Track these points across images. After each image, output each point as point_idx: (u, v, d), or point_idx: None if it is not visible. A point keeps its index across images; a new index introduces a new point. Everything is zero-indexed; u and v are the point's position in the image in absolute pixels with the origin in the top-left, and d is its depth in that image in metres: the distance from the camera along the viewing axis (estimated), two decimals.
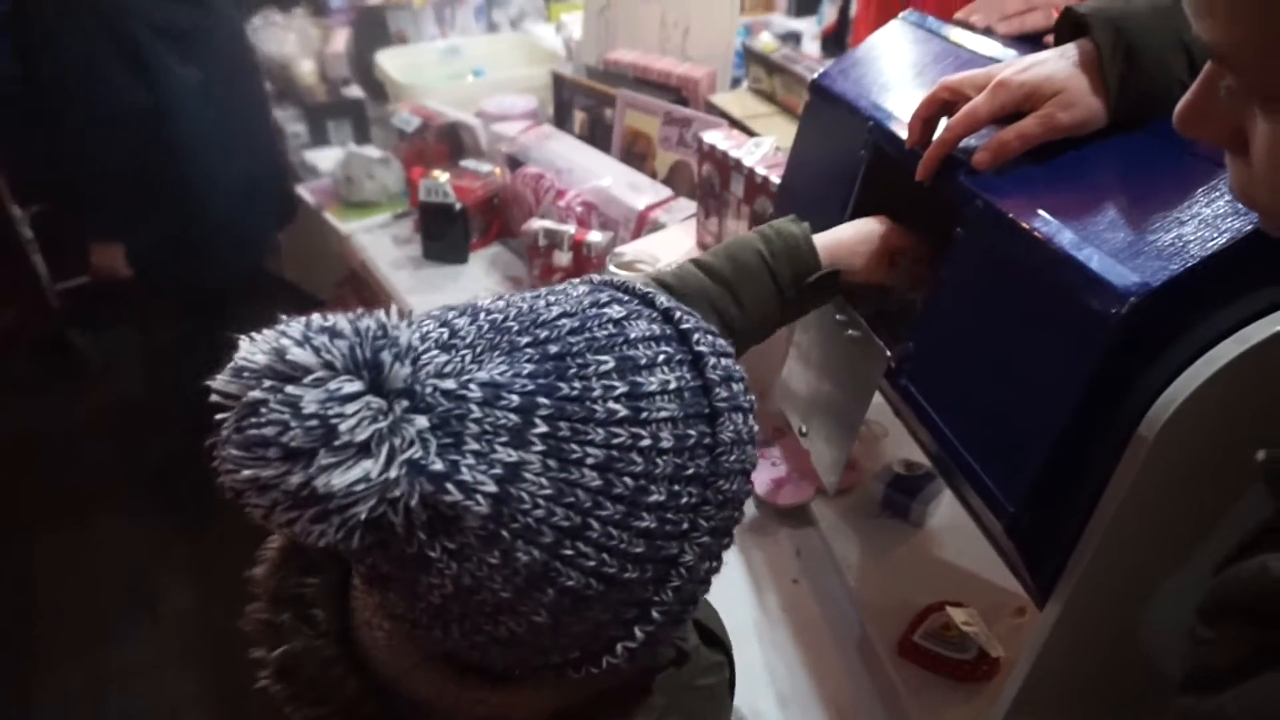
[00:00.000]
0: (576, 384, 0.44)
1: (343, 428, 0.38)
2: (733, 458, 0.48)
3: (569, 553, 0.43)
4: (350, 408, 0.39)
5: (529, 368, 0.44)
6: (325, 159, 2.13)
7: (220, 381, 0.40)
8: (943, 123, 0.75)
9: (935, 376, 0.73)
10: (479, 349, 0.44)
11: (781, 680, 0.94)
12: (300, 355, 0.39)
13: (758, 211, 1.29)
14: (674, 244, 1.47)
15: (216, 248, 2.03)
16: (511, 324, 0.46)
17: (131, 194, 1.89)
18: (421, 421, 0.41)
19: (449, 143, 1.97)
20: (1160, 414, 0.54)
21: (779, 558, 1.09)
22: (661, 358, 0.47)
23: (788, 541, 1.12)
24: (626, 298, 0.50)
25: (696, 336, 0.49)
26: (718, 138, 1.36)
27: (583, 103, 1.95)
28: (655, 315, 0.49)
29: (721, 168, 1.34)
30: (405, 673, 0.51)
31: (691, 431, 0.46)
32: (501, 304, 0.48)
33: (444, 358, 0.43)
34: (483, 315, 0.46)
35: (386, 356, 0.40)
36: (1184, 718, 0.43)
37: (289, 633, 0.51)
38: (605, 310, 0.47)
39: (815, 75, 0.99)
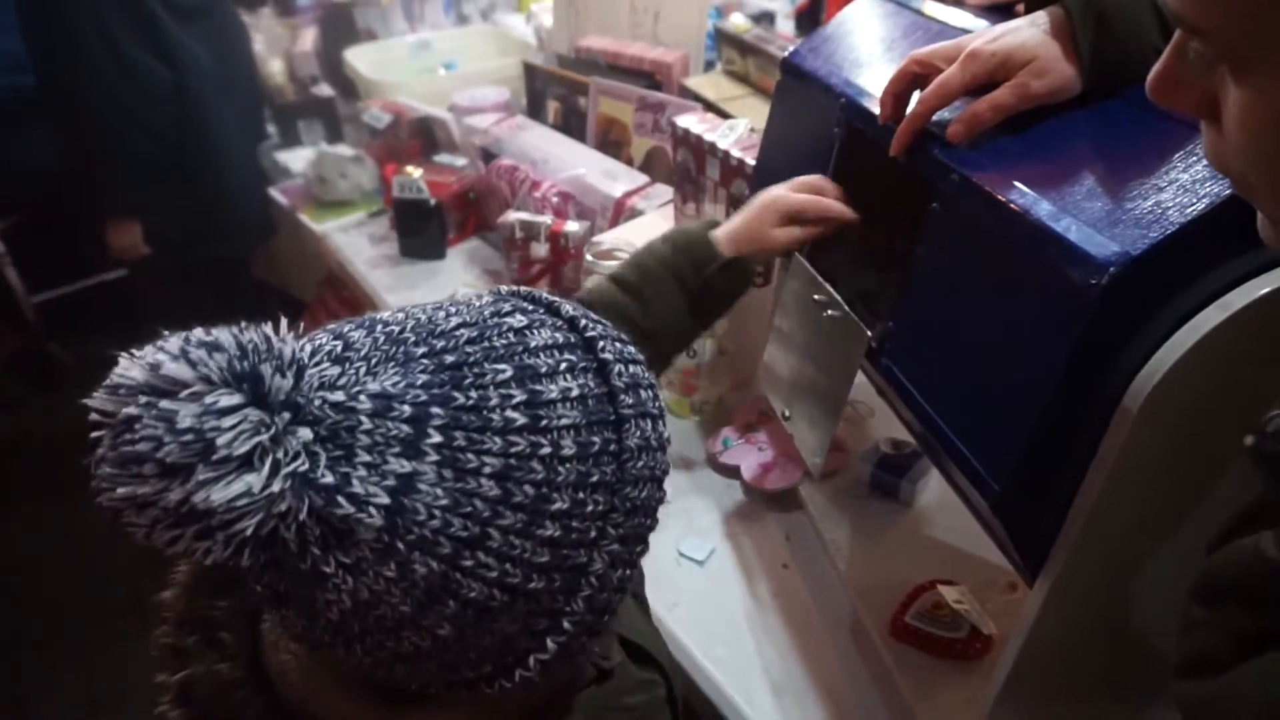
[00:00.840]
0: (473, 393, 0.43)
1: (220, 441, 0.37)
2: (640, 464, 0.47)
3: (469, 563, 0.42)
4: (228, 420, 0.38)
5: (423, 378, 0.43)
6: (297, 159, 2.10)
7: (96, 399, 0.39)
8: (915, 97, 0.74)
9: (916, 355, 0.72)
10: (373, 361, 0.43)
11: (774, 667, 0.93)
12: (176, 369, 0.38)
13: (735, 194, 1.28)
14: (652, 231, 1.45)
15: (235, 216, 2.13)
16: (408, 335, 0.45)
17: (153, 170, 1.97)
18: (307, 434, 0.40)
19: (421, 138, 1.95)
20: (1144, 385, 0.53)
21: (768, 543, 1.08)
22: (564, 365, 0.46)
23: (776, 526, 1.11)
24: (531, 307, 0.49)
25: (602, 344, 0.48)
26: (691, 121, 1.34)
27: (556, 92, 1.93)
28: (560, 324, 0.49)
29: (696, 152, 1.32)
30: (315, 695, 0.50)
31: (596, 439, 0.45)
32: (400, 316, 0.47)
33: (335, 370, 0.42)
34: (379, 328, 0.45)
35: (267, 369, 0.39)
36: (1184, 703, 0.42)
37: (194, 657, 0.50)
38: (506, 320, 0.47)
39: (786, 54, 0.97)
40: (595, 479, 0.45)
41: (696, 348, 1.20)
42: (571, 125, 1.88)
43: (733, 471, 1.18)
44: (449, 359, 0.44)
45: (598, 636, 0.49)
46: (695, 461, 1.22)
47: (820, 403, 0.89)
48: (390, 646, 0.43)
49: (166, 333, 0.41)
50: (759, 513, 1.13)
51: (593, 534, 0.46)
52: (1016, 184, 0.62)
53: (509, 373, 0.44)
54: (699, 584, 1.03)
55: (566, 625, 0.46)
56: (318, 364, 0.42)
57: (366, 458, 0.40)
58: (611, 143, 1.78)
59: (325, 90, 2.26)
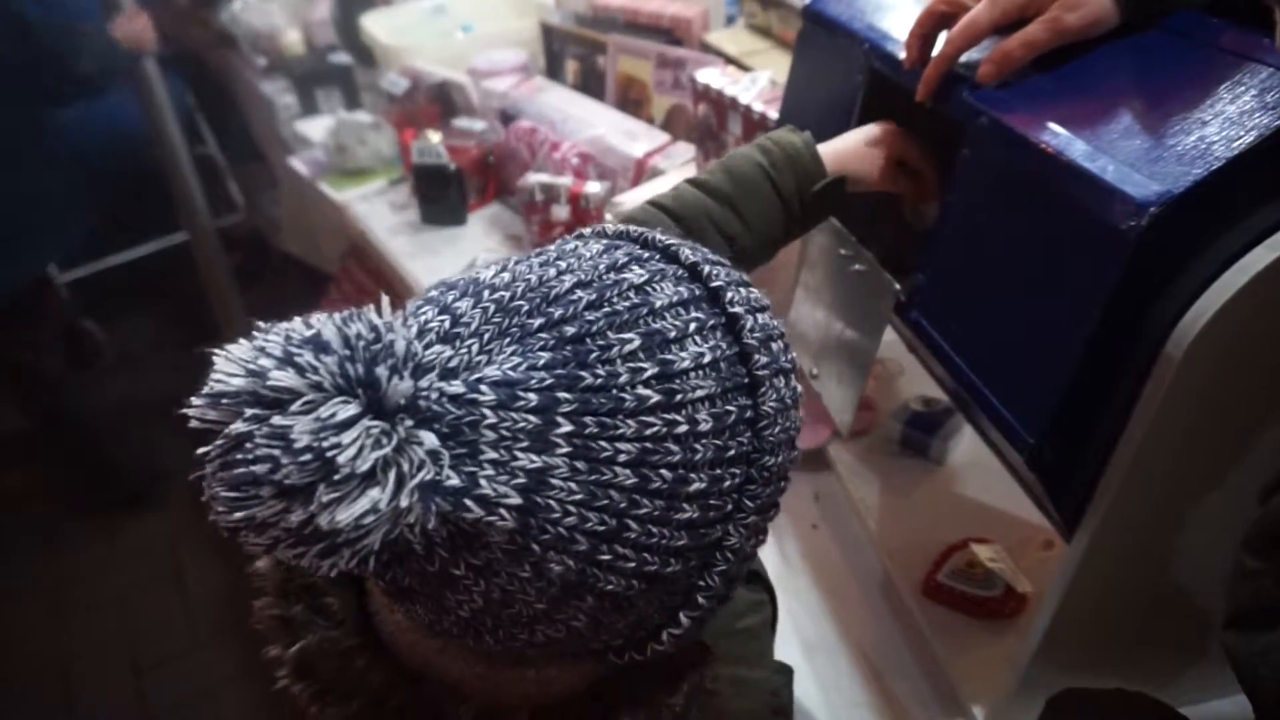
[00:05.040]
0: (600, 370, 0.39)
1: (342, 459, 0.34)
2: (777, 429, 0.44)
3: (606, 558, 0.39)
4: (348, 436, 0.34)
5: (545, 356, 0.39)
6: (316, 128, 2.09)
7: (197, 409, 0.36)
8: (942, 37, 0.70)
9: (947, 307, 0.70)
10: (486, 337, 0.39)
11: (806, 628, 0.92)
12: (284, 378, 0.35)
13: None
14: None
15: None
16: (520, 303, 0.41)
17: None
18: (431, 438, 0.36)
19: (440, 103, 1.92)
20: (1187, 331, 0.50)
21: (797, 504, 1.07)
22: (693, 326, 0.42)
23: (805, 486, 1.09)
24: (647, 255, 0.45)
25: (730, 295, 0.44)
26: (713, 76, 1.31)
27: (574, 52, 1.89)
28: (681, 273, 0.45)
29: (718, 107, 1.29)
30: (435, 654, 0.48)
31: (732, 407, 0.42)
32: (506, 277, 0.42)
33: (448, 352, 0.38)
34: (486, 294, 0.41)
35: (383, 370, 0.36)
36: (1238, 654, 0.40)
37: (303, 626, 0.48)
38: (625, 276, 0.43)
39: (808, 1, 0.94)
40: (732, 452, 0.42)
41: None
42: (590, 85, 1.85)
43: None
44: (569, 330, 0.40)
45: (727, 603, 0.47)
46: None
47: (849, 359, 0.87)
48: (523, 639, 0.42)
49: (262, 325, 0.37)
50: None
51: (729, 508, 0.43)
52: (1050, 124, 0.59)
53: (637, 342, 0.40)
54: None
55: (701, 600, 0.45)
56: (427, 345, 0.39)
57: (493, 455, 0.37)
58: (631, 101, 1.75)
59: (343, 57, 2.24)
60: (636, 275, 0.43)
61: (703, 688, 0.50)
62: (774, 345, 0.45)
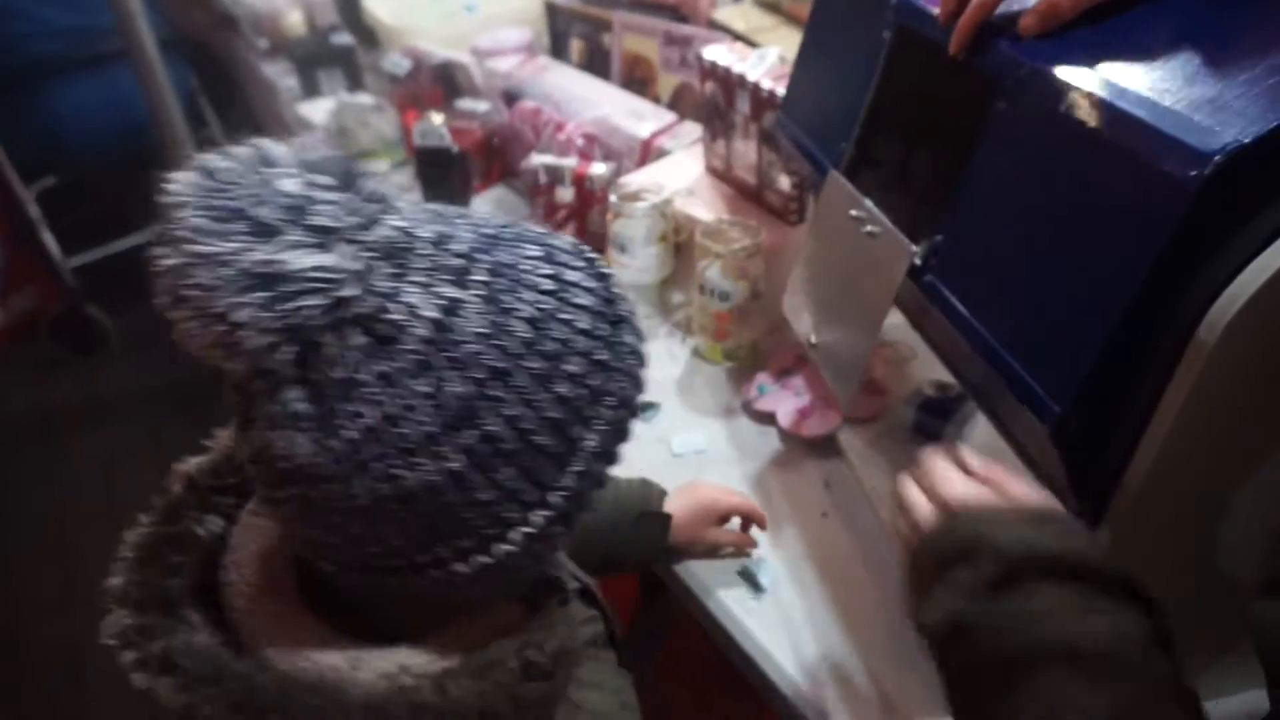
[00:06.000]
0: (508, 255, 0.48)
1: (315, 210, 0.41)
2: (630, 361, 0.52)
3: (496, 393, 0.45)
4: (327, 195, 0.42)
5: (472, 235, 0.48)
6: (317, 111, 2.06)
7: (190, 168, 0.41)
8: None
9: (967, 270, 0.66)
10: (420, 217, 0.48)
11: (817, 618, 0.90)
12: (282, 152, 0.42)
13: (766, 129, 1.21)
14: (680, 171, 1.40)
15: None
16: (450, 213, 0.50)
17: None
18: (386, 246, 0.44)
19: (443, 84, 1.89)
20: (1225, 311, 0.47)
21: (806, 491, 1.04)
22: (578, 264, 0.52)
23: (815, 473, 1.07)
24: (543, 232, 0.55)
25: (601, 266, 0.54)
26: (720, 53, 1.28)
27: (579, 30, 1.86)
28: (574, 247, 0.54)
29: (725, 85, 1.26)
30: (281, 632, 0.51)
31: (602, 326, 0.50)
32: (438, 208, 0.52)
33: (410, 216, 0.47)
34: (423, 206, 0.50)
35: (358, 168, 0.45)
36: (1266, 622, 0.38)
37: (164, 631, 0.50)
38: (533, 228, 0.53)
39: None
40: (598, 358, 0.49)
41: (729, 290, 1.15)
42: (596, 64, 1.82)
43: (768, 418, 1.14)
44: (487, 231, 0.49)
45: (568, 530, 0.51)
46: (729, 408, 1.18)
47: (853, 327, 0.83)
48: (399, 479, 0.44)
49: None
50: (796, 460, 1.09)
51: (590, 411, 0.49)
52: (1099, 73, 0.55)
53: (539, 252, 0.50)
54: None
55: (553, 500, 0.49)
56: (400, 204, 0.47)
57: (421, 278, 0.45)
58: (637, 80, 1.72)
59: (345, 38, 2.21)
60: (541, 233, 0.53)
61: (530, 653, 0.52)
62: (631, 319, 0.54)
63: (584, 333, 0.49)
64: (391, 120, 1.89)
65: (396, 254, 0.44)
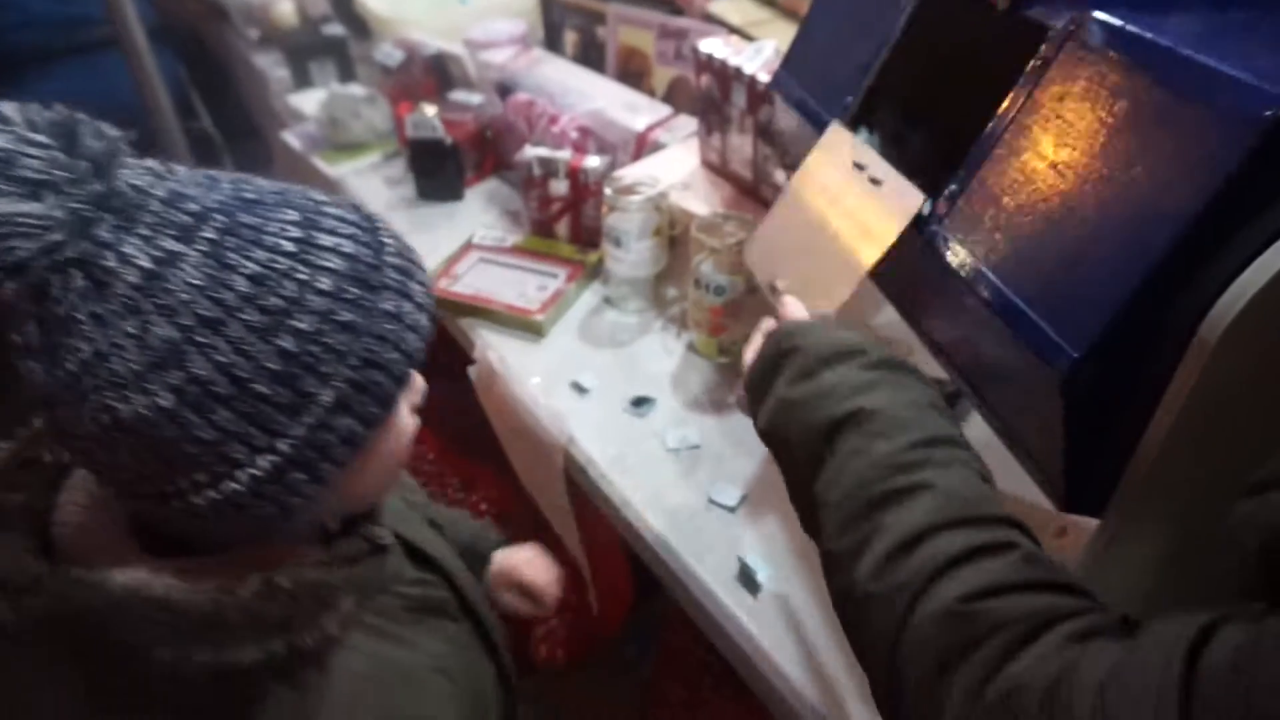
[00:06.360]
0: (255, 218, 0.52)
1: (22, 163, 0.45)
2: (387, 325, 0.55)
3: (203, 340, 0.49)
4: (35, 151, 0.46)
5: (219, 198, 0.52)
6: (309, 102, 2.04)
7: None
8: None
9: (983, 220, 0.65)
10: (186, 181, 0.52)
11: (814, 617, 0.89)
12: (6, 108, 0.47)
13: (762, 123, 1.21)
14: (675, 165, 1.40)
15: None
16: (223, 179, 0.54)
17: None
18: (101, 199, 0.48)
19: (436, 75, 1.88)
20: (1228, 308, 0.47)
21: None
22: (346, 232, 0.55)
23: None
24: (346, 211, 0.58)
25: (388, 240, 0.58)
26: (715, 45, 1.27)
27: (574, 22, 1.85)
28: (361, 218, 0.57)
29: (721, 78, 1.25)
30: (101, 560, 0.55)
31: (352, 289, 0.54)
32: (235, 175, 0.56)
33: (148, 177, 0.51)
34: (198, 172, 0.54)
35: (85, 130, 0.48)
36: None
37: None
38: (314, 195, 0.56)
39: None
40: (339, 318, 0.53)
41: (724, 285, 1.14)
42: (590, 57, 1.81)
43: None
44: (248, 194, 0.53)
45: (317, 480, 0.54)
46: (724, 404, 1.17)
47: (832, 275, 0.80)
48: (114, 410, 0.48)
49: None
50: None
51: (326, 368, 0.52)
52: (1154, 17, 0.55)
53: (295, 217, 0.53)
54: (730, 531, 0.99)
55: (281, 447, 0.52)
56: (145, 167, 0.51)
57: (145, 232, 0.49)
58: (632, 74, 1.71)
59: (336, 29, 2.19)
60: (321, 198, 0.57)
61: (279, 579, 0.56)
62: (412, 284, 0.58)
63: (324, 293, 0.52)
64: (384, 111, 1.87)
65: (127, 209, 0.48)
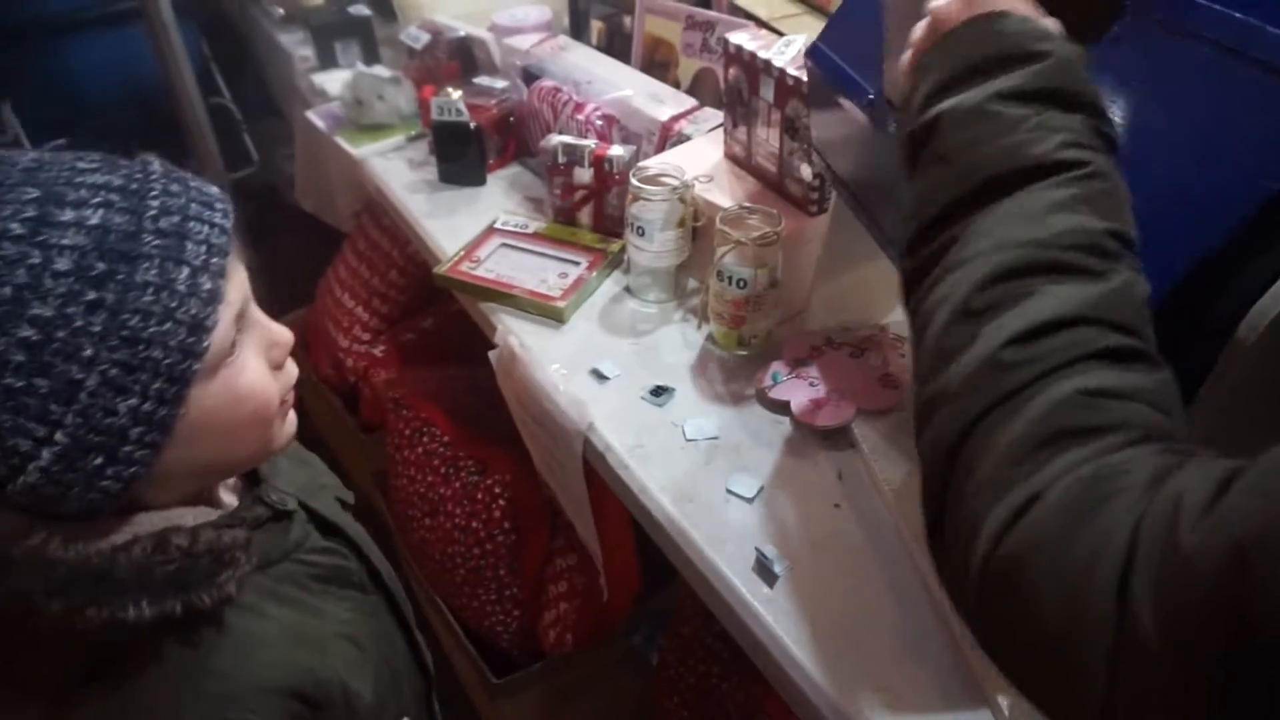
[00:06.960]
0: None
1: None
2: (149, 299, 0.52)
3: None
4: None
5: None
6: (333, 82, 2.04)
7: None
8: None
9: None
10: None
11: (832, 609, 0.90)
12: None
13: (789, 116, 1.21)
14: (700, 156, 1.40)
15: None
16: None
17: None
18: None
19: (461, 59, 1.88)
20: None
21: (819, 482, 1.05)
22: (98, 201, 0.52)
23: (828, 465, 1.07)
24: (132, 161, 0.57)
25: (154, 199, 0.55)
26: (744, 38, 1.27)
27: (600, 10, 1.85)
28: (127, 182, 0.55)
29: (749, 71, 1.25)
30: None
31: (100, 264, 0.51)
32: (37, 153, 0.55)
33: None
34: None
35: None
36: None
37: None
38: (79, 163, 0.54)
39: None
40: (91, 298, 0.50)
41: (746, 278, 1.15)
42: (616, 46, 1.81)
43: (782, 407, 1.14)
44: None
45: (123, 465, 0.53)
46: (743, 396, 1.18)
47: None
48: None
49: None
50: (810, 450, 1.09)
51: (88, 352, 0.50)
52: None
53: (34, 195, 0.51)
54: (747, 521, 1.00)
55: (59, 437, 0.51)
56: None
57: None
58: (657, 64, 1.71)
59: (362, 10, 2.19)
60: (88, 162, 0.55)
61: (175, 537, 0.57)
62: (188, 244, 0.55)
63: (64, 275, 0.50)
64: (408, 94, 1.87)
65: None
